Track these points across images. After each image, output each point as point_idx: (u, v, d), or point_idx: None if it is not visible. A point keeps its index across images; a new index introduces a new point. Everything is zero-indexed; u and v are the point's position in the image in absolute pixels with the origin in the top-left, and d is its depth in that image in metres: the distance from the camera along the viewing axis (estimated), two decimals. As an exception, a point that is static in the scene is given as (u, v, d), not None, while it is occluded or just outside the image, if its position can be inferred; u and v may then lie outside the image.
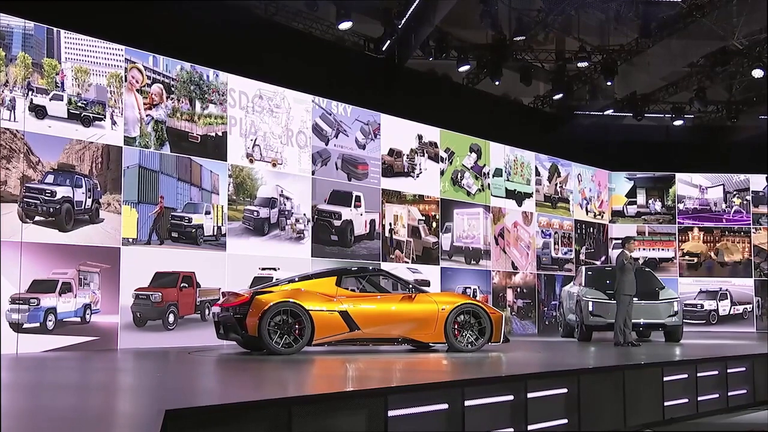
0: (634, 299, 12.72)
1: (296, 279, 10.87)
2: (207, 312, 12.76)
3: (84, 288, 11.47)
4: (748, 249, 21.45)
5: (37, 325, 10.91)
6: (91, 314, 11.56)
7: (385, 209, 16.11)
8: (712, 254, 21.40)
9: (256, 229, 13.91)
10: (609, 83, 19.12)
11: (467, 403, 6.09)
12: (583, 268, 15.66)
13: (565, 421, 6.95)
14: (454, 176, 17.75)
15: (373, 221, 15.85)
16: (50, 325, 11.05)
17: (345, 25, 15.86)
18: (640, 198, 21.61)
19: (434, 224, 17.13)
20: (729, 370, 9.32)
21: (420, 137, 17.06)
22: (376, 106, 16.26)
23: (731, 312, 20.91)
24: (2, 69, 10.92)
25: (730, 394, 9.23)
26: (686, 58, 18.70)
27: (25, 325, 10.76)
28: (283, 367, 8.56)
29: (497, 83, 18.61)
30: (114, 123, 12.10)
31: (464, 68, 18.16)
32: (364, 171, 15.83)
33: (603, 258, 21.09)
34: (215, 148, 13.43)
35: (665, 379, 8.34)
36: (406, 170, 16.71)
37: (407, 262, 16.41)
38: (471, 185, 18.16)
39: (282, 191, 14.32)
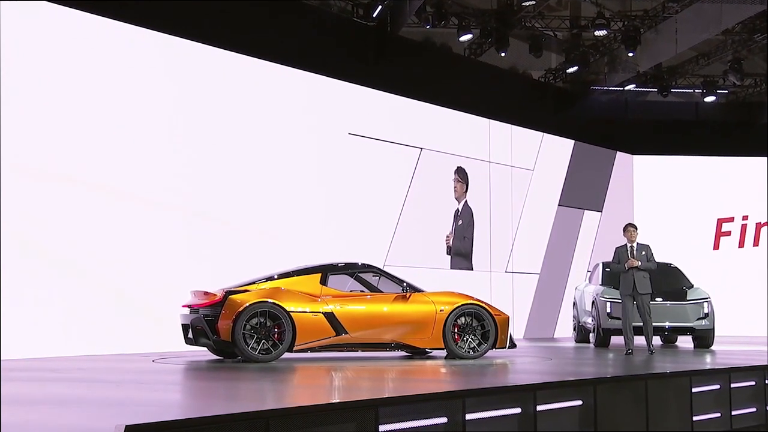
0: (658, 299, 12.63)
1: (275, 276, 10.87)
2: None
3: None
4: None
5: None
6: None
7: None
8: None
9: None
10: (630, 54, 19.09)
11: (468, 416, 6.11)
12: (600, 264, 15.52)
13: (580, 436, 6.99)
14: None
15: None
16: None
17: (331, -11, 15.81)
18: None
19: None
20: (768, 380, 9.36)
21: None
22: (365, 79, 16.24)
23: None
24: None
25: (769, 407, 9.27)
26: (719, 24, 18.62)
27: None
28: (261, 376, 8.58)
29: (503, 54, 18.57)
30: None
31: (466, 37, 18.10)
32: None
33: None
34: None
35: (694, 390, 8.37)
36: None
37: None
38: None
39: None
